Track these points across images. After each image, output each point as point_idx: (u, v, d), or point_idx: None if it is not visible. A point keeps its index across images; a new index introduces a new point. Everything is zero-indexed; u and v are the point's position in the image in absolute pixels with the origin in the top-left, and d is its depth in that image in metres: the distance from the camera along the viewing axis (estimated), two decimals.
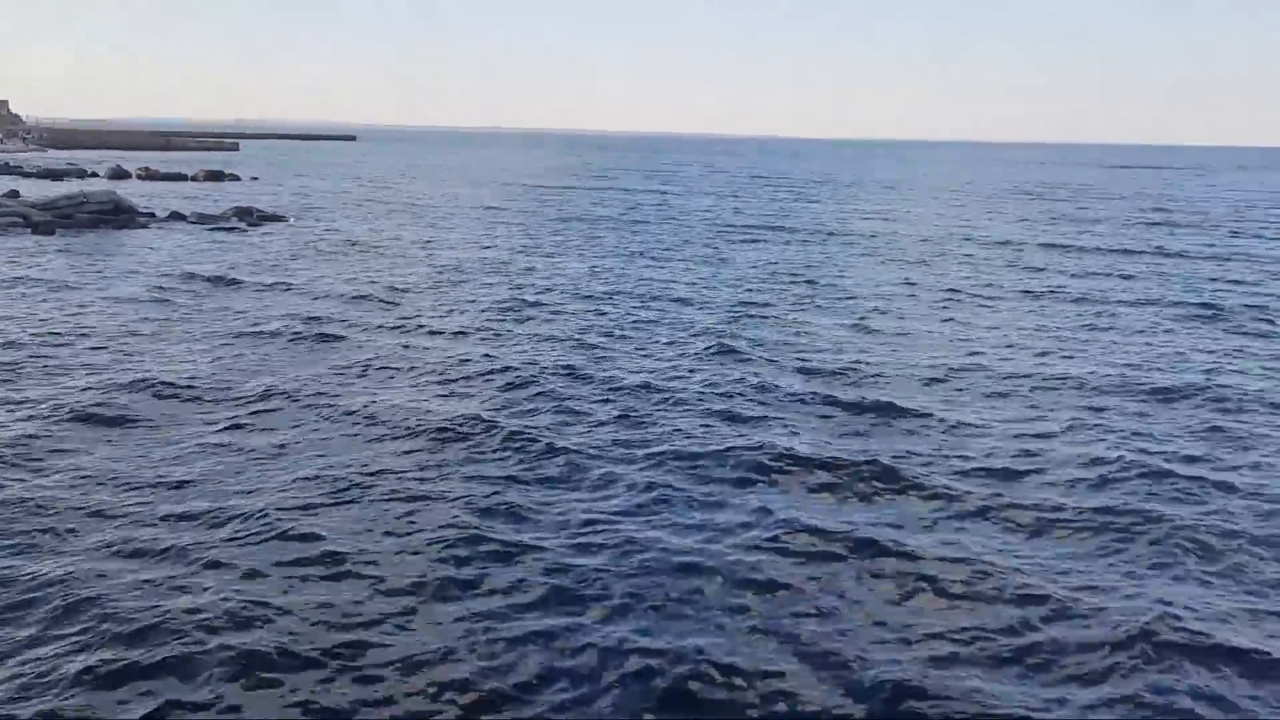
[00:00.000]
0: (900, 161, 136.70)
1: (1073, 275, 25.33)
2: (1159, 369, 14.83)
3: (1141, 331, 17.94)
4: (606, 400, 12.64)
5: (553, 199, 51.16)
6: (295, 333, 16.15)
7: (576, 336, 16.52)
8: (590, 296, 20.75)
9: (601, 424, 11.64)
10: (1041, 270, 26.20)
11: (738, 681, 6.35)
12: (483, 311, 18.65)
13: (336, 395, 12.54)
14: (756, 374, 14.05)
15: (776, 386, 13.34)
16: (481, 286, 21.61)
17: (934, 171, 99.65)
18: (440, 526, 8.59)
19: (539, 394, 12.83)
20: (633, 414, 12.00)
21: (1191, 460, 10.62)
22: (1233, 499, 9.46)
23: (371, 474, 9.78)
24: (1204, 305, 20.62)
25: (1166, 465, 10.34)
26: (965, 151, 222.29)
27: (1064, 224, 40.85)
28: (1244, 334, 17.89)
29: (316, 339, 15.83)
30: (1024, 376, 14.21)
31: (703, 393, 13.01)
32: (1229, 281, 24.46)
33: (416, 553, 8.08)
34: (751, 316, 18.75)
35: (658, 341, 16.38)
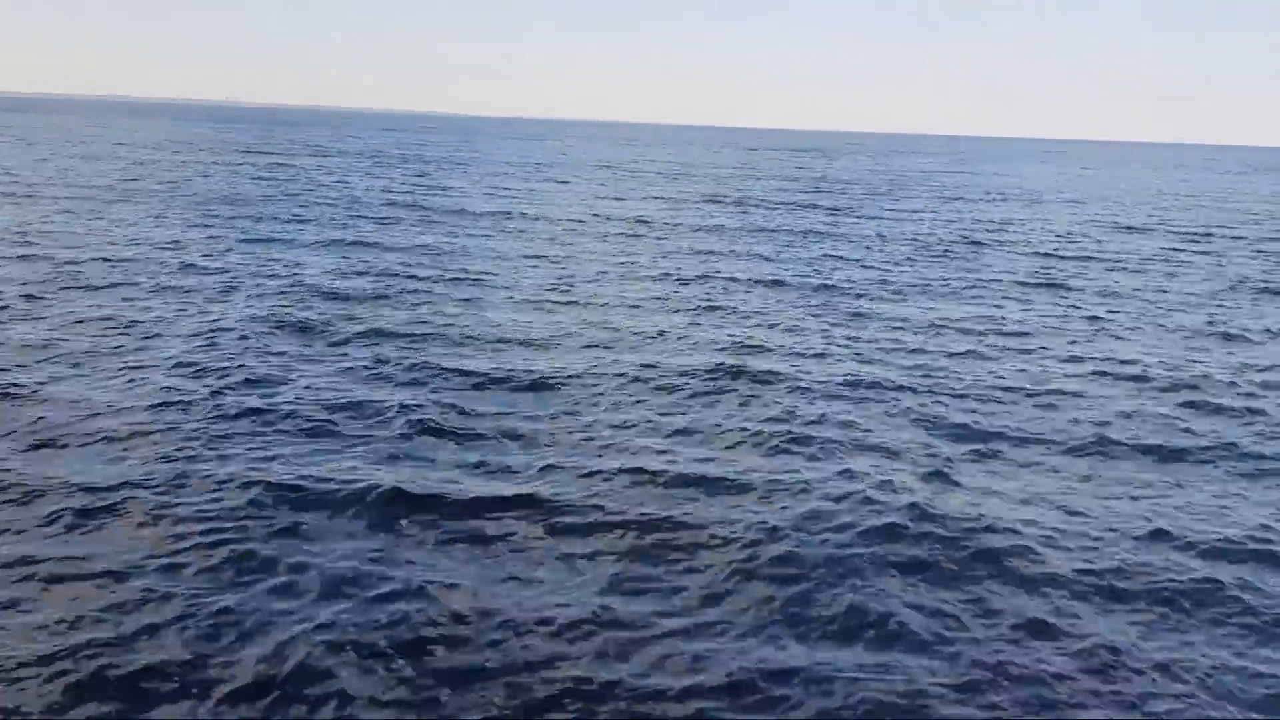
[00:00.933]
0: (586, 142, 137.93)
1: (702, 253, 25.72)
2: (759, 351, 14.82)
3: (757, 313, 18.10)
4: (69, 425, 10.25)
5: (174, 175, 45.61)
6: None
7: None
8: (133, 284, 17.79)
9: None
10: (674, 251, 26.34)
11: None
12: None
13: None
14: (328, 375, 12.30)
15: (367, 392, 11.71)
16: None
17: (594, 151, 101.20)
18: None
19: None
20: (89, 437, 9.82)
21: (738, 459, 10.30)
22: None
23: None
24: (821, 286, 21.39)
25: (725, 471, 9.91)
26: (614, 131, 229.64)
27: (702, 204, 42.14)
28: (848, 315, 18.52)
29: None
30: (648, 368, 13.53)
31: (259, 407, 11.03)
32: (837, 258, 25.81)
33: None
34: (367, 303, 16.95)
35: (190, 328, 14.14)
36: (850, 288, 21.17)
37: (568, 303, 18.13)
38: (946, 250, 28.52)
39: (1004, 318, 18.40)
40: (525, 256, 23.91)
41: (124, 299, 16.40)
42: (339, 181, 45.63)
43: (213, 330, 14.38)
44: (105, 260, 19.99)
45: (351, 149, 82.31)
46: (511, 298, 18.38)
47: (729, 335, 15.91)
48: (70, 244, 22.02)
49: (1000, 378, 13.75)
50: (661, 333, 15.86)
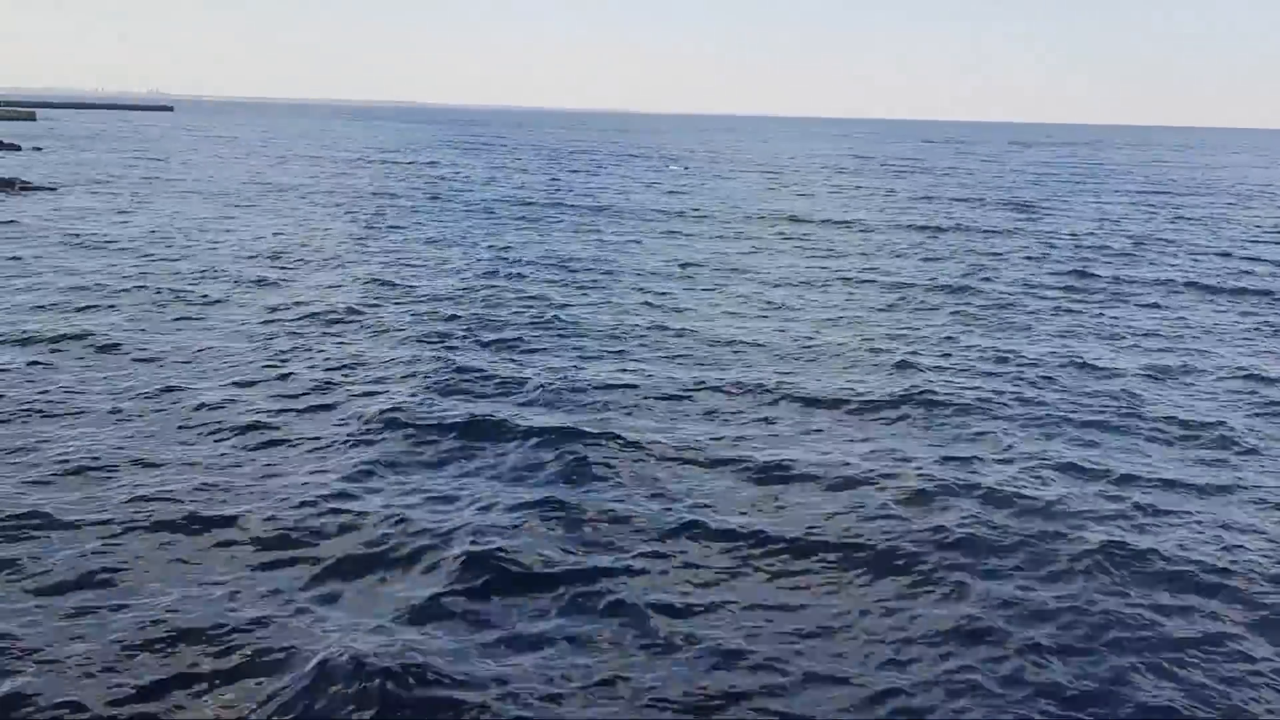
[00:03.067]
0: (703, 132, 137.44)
1: (871, 255, 25.21)
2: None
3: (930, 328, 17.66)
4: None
5: (371, 175, 48.48)
6: None
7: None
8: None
9: None
10: (844, 255, 25.92)
11: None
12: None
13: None
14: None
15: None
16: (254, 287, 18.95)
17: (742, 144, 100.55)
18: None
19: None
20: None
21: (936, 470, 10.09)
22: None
23: None
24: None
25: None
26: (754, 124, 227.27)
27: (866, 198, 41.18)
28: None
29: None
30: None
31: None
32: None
33: None
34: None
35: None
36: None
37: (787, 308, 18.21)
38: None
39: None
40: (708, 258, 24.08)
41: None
42: (520, 181, 47.07)
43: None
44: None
45: (514, 145, 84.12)
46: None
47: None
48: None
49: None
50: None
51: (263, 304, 17.06)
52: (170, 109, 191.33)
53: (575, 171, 55.65)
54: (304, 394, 11.94)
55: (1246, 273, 23.60)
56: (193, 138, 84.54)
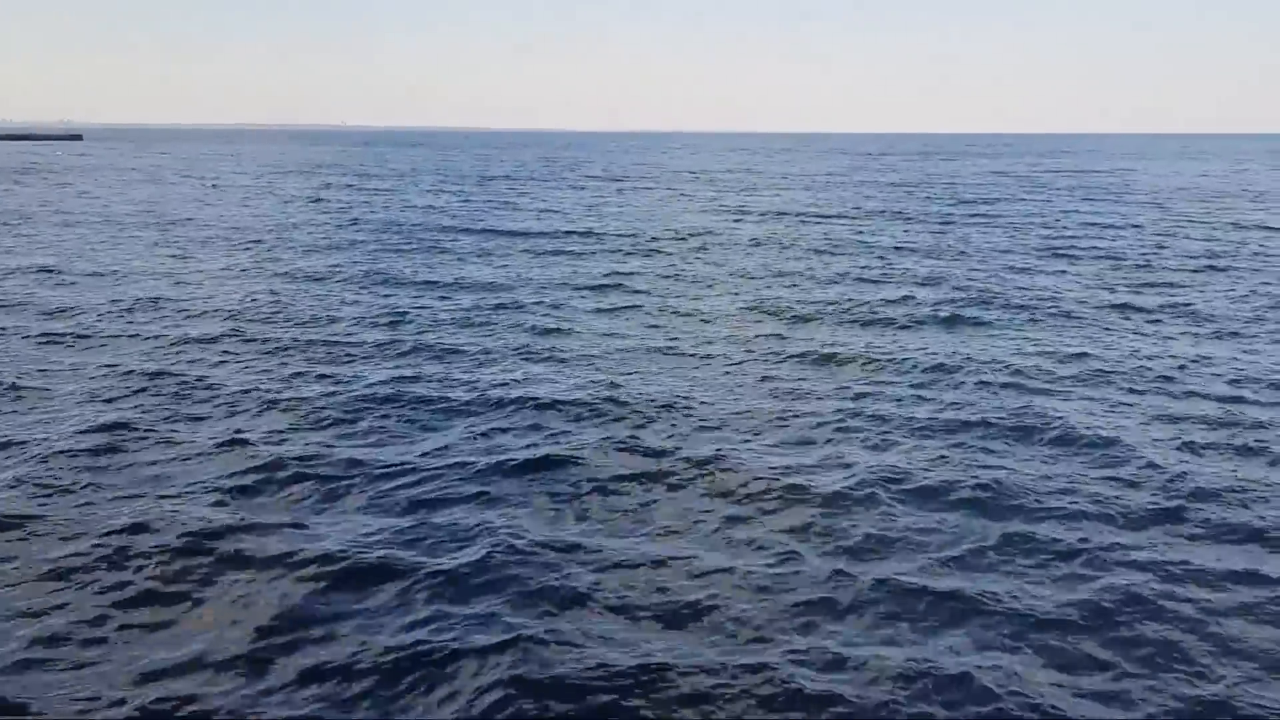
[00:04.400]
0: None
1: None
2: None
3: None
4: None
5: (269, 203, 45.73)
6: None
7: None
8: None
9: None
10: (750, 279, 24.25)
11: None
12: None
13: None
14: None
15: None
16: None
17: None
18: None
19: None
20: None
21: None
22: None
23: None
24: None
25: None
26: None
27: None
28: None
29: None
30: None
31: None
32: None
33: None
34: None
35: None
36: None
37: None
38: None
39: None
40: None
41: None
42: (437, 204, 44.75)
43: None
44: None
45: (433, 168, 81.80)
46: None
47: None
48: None
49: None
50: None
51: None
52: (79, 138, 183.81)
53: (490, 195, 53.34)
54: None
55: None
56: (94, 166, 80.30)
